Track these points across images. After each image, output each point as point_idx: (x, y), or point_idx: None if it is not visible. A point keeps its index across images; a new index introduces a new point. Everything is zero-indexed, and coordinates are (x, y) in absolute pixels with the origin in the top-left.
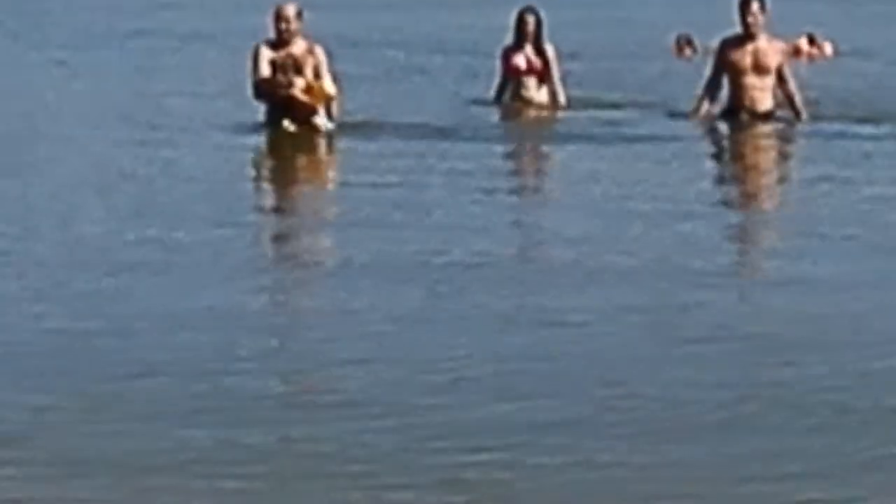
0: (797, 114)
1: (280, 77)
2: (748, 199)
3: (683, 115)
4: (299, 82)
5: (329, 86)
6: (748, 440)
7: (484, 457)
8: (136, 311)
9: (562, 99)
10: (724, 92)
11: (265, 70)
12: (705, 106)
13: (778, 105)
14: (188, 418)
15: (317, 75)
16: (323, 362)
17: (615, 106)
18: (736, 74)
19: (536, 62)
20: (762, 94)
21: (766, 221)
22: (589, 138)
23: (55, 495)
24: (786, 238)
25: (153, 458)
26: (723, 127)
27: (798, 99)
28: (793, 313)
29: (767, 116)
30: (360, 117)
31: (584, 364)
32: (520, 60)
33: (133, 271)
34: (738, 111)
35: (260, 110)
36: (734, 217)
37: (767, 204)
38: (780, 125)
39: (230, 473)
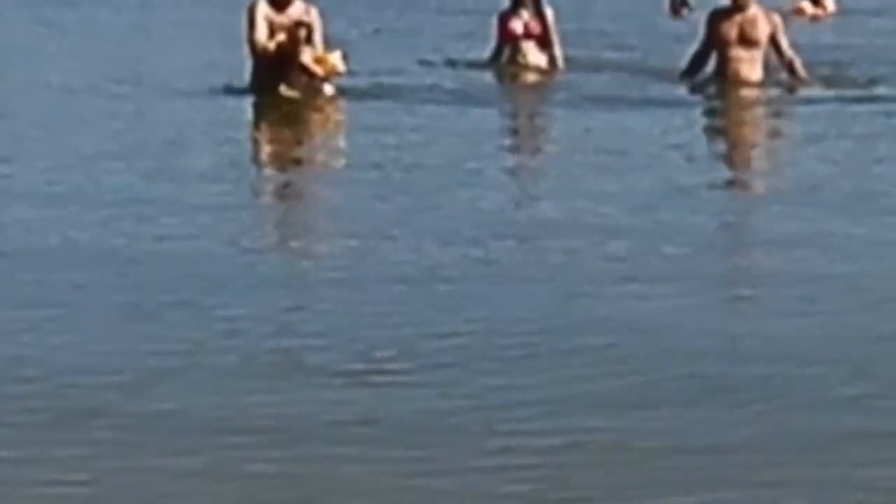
0: (801, 80)
1: (303, 45)
2: (750, 173)
3: (675, 81)
4: (309, 52)
5: (339, 61)
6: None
7: (543, 440)
8: (146, 305)
9: (560, 62)
10: (713, 60)
11: (262, 30)
12: (688, 77)
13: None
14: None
15: (308, 39)
16: (365, 343)
17: (613, 68)
18: (722, 46)
19: (535, 26)
20: (749, 65)
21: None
22: (592, 102)
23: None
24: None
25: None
26: (717, 94)
27: (798, 65)
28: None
29: (754, 87)
30: (356, 81)
31: (646, 339)
32: (517, 25)
33: (140, 262)
34: (723, 82)
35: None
36: (737, 195)
37: (778, 175)
38: (776, 92)
39: (267, 456)
